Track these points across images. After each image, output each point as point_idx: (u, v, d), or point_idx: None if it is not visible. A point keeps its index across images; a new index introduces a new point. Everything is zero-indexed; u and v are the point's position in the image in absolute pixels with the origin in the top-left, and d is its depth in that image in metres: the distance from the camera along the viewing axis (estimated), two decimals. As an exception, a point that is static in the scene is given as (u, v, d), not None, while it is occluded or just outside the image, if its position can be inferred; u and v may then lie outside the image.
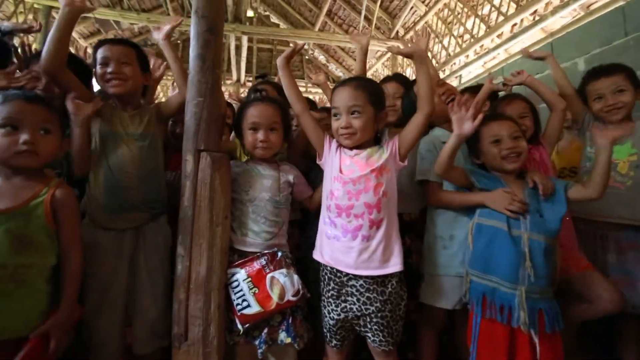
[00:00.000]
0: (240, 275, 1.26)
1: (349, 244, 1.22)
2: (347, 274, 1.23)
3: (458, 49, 5.11)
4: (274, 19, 7.73)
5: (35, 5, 4.89)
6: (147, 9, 6.18)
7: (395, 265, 1.23)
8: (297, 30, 6.71)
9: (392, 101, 1.71)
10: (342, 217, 1.24)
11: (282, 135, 1.41)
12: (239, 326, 1.23)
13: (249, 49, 7.31)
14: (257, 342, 1.25)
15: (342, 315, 1.24)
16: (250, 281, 1.25)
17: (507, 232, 1.26)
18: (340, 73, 8.47)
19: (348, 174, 1.26)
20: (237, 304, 1.24)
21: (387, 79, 1.93)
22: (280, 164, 1.44)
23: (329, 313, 1.27)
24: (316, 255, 1.31)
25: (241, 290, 1.25)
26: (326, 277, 1.29)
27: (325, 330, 1.31)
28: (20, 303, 0.97)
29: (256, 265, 1.27)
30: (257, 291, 1.24)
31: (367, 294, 1.21)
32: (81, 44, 6.11)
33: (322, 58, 8.70)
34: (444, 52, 5.45)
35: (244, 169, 1.40)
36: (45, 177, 1.08)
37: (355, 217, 1.22)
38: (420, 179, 1.51)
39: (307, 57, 8.73)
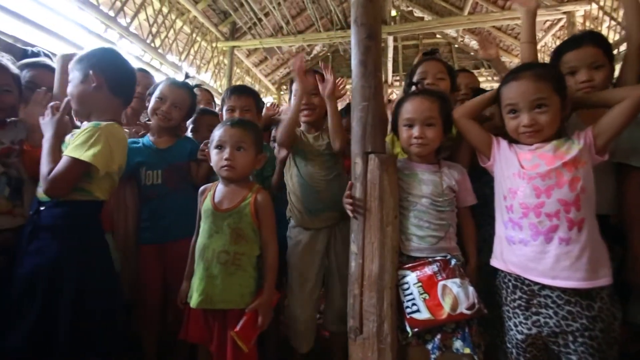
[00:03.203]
0: (411, 278, 1.24)
1: (542, 248, 1.06)
2: (539, 283, 1.07)
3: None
4: (417, 13, 7.48)
5: (224, 48, 6.16)
6: (301, 30, 6.93)
7: (605, 277, 1.02)
8: (444, 19, 6.29)
9: (588, 74, 1.30)
10: (529, 217, 1.09)
11: (442, 130, 1.32)
12: (408, 329, 1.22)
13: (394, 48, 7.28)
14: (429, 347, 1.21)
15: (534, 330, 1.09)
16: (420, 286, 1.22)
17: None
18: (497, 56, 7.48)
19: (533, 169, 1.11)
20: (407, 307, 1.23)
21: (579, 41, 1.36)
22: (442, 164, 1.35)
23: (516, 326, 1.13)
24: (496, 263, 1.19)
25: (411, 293, 1.23)
26: (510, 284, 1.15)
27: (509, 346, 1.16)
28: (238, 282, 1.23)
29: (427, 270, 1.23)
30: (427, 297, 1.20)
31: (567, 307, 1.03)
32: (254, 72, 7.35)
33: (474, 44, 7.90)
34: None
35: (402, 174, 1.36)
36: (250, 184, 1.34)
37: (548, 217, 1.06)
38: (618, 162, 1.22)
39: (456, 45, 8.09)
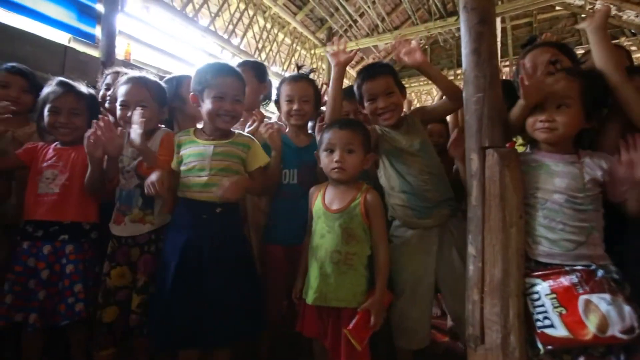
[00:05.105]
0: (542, 288, 1.09)
1: None
2: None
3: None
4: (530, -15, 6.59)
5: (322, 54, 6.41)
6: (397, 25, 6.76)
7: None
8: (566, -14, 5.40)
9: None
10: None
11: (580, 115, 1.12)
12: (539, 345, 1.08)
13: (502, 30, 6.55)
14: (569, 369, 1.05)
15: None
16: (554, 298, 1.06)
17: None
18: (642, 20, 6.12)
19: None
20: (537, 320, 1.09)
21: None
22: (582, 154, 1.15)
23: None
24: None
25: (542, 305, 1.08)
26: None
27: None
28: (350, 282, 1.25)
29: (564, 281, 1.06)
30: (564, 312, 1.04)
31: None
32: (351, 73, 7.45)
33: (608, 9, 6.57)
34: None
35: (527, 166, 1.20)
36: (359, 184, 1.36)
37: None
38: None
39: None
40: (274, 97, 1.88)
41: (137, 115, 1.34)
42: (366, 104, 1.52)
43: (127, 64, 2.79)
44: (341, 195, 1.32)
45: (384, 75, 1.49)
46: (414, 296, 1.41)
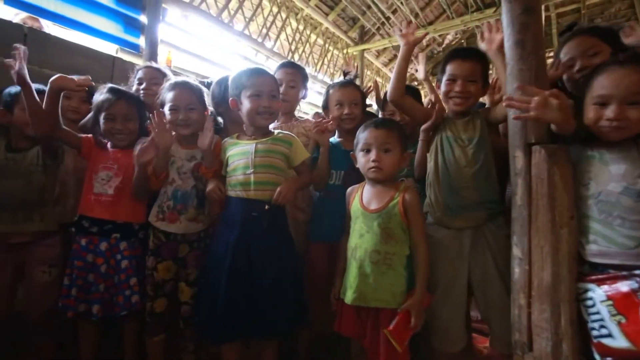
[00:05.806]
0: (597, 294, 1.02)
1: None
2: None
3: None
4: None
5: (354, 53, 6.38)
6: (431, 20, 6.58)
7: None
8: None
9: None
10: None
11: None
12: (596, 356, 1.01)
13: (546, 19, 6.18)
14: (630, 381, 0.97)
15: None
16: (611, 305, 0.99)
17: None
18: None
19: None
20: (592, 328, 1.02)
21: None
22: None
23: None
24: None
25: (598, 312, 1.01)
26: None
27: None
28: (390, 282, 1.24)
29: (621, 286, 0.98)
30: (623, 321, 0.96)
31: None
32: (384, 71, 7.36)
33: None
34: None
35: (580, 157, 1.11)
36: (397, 183, 1.34)
37: None
38: None
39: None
40: (311, 100, 1.93)
41: (209, 122, 1.47)
42: (444, 82, 1.46)
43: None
44: (379, 195, 1.31)
45: (473, 60, 1.43)
46: (444, 297, 1.36)
